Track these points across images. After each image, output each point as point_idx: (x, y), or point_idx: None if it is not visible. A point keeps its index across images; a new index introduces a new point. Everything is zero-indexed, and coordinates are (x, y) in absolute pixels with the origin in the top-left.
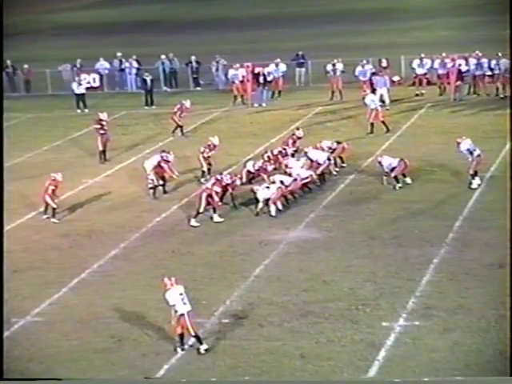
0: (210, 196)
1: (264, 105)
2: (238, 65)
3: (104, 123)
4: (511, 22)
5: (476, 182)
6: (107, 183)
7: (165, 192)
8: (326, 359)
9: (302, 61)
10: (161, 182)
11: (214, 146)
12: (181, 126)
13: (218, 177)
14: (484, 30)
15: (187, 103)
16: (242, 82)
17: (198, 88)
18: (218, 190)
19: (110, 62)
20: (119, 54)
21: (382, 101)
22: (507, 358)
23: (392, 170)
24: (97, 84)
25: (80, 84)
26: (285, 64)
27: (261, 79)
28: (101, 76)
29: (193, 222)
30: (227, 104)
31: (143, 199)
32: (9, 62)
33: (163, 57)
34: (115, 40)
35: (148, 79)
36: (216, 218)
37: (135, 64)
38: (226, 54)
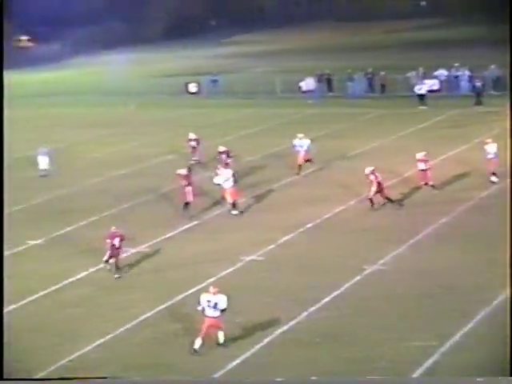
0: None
1: None
2: None
3: None
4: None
5: None
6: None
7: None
8: None
9: None
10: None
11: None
12: None
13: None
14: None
15: None
16: None
17: None
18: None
19: (448, 70)
20: (456, 64)
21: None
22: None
23: None
24: (436, 87)
25: (421, 88)
26: None
27: None
28: (440, 81)
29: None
30: None
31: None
32: (370, 69)
33: (492, 66)
34: (450, 53)
35: (478, 84)
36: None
37: (467, 72)
38: None
